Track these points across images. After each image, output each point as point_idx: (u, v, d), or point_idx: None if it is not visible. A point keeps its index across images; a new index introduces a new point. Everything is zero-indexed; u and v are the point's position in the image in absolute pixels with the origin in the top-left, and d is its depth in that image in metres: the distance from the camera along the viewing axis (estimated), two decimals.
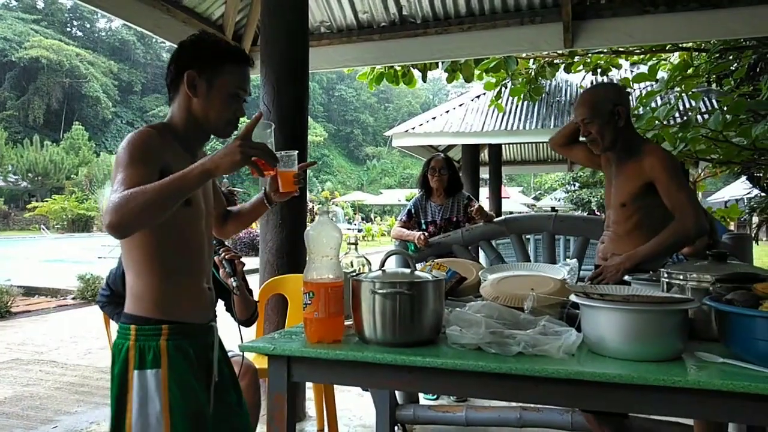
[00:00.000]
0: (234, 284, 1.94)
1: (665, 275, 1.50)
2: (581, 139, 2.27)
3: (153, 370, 1.33)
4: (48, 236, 24.59)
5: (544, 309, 1.42)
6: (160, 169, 1.30)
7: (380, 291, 1.31)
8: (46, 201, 28.45)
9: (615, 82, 2.52)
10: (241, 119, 1.47)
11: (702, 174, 16.72)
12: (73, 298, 8.17)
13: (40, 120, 42.66)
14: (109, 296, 2.45)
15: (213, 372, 1.46)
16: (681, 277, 1.44)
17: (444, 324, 1.37)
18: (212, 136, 1.48)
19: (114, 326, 2.56)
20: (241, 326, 2.39)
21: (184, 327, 1.39)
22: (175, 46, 1.48)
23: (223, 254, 2.00)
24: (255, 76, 4.04)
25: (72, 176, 33.84)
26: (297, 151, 1.55)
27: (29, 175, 33.13)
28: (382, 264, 1.44)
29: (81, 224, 27.07)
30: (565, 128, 2.43)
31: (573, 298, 1.29)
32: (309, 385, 3.32)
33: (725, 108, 4.56)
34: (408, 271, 1.42)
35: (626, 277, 1.69)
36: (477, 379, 1.20)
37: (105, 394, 3.86)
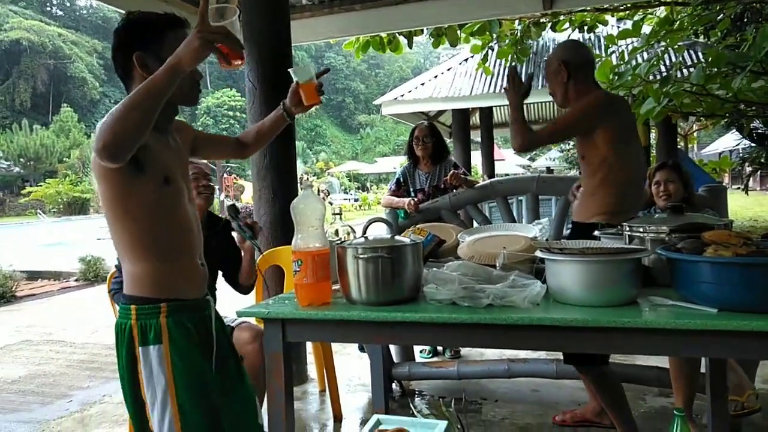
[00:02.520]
0: (257, 245, 2.19)
1: (628, 228, 1.62)
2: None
3: (155, 346, 1.40)
4: (45, 220, 24.65)
5: (514, 265, 1.54)
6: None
7: (363, 256, 1.43)
8: (41, 185, 28.40)
9: (574, 40, 2.59)
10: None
11: (693, 127, 16.73)
12: (76, 280, 8.33)
13: (28, 104, 42.15)
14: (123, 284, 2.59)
15: (213, 343, 1.53)
16: (641, 229, 1.57)
17: (423, 283, 1.50)
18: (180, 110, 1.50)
19: None
20: (242, 293, 2.56)
21: (181, 303, 1.45)
22: None
23: (243, 219, 2.18)
24: None
25: (64, 159, 33.69)
26: (311, 62, 1.61)
27: (21, 160, 32.98)
28: (365, 231, 1.55)
29: (77, 207, 27.11)
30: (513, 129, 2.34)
31: (537, 253, 1.41)
32: (310, 350, 3.49)
33: (709, 61, 4.62)
34: (388, 236, 1.53)
35: (596, 233, 1.81)
36: (452, 330, 1.34)
37: (114, 368, 4.01)
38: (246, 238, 2.22)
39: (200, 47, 1.19)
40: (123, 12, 3.76)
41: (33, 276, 8.55)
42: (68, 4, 53.17)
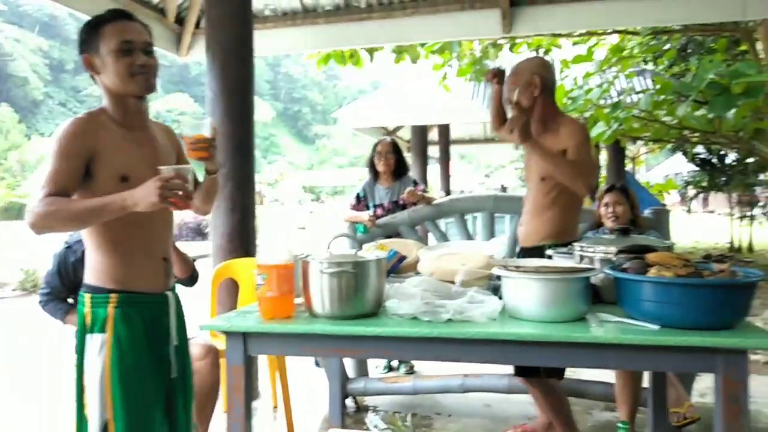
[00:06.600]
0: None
1: (578, 248, 1.71)
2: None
3: (99, 334, 1.47)
4: None
5: (473, 281, 1.60)
6: (88, 156, 1.43)
7: (327, 271, 1.46)
8: None
9: (545, 59, 2.57)
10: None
11: (641, 150, 17.57)
12: (13, 290, 7.92)
13: None
14: (49, 293, 2.50)
15: (171, 336, 1.58)
16: (591, 249, 1.66)
17: (385, 298, 1.53)
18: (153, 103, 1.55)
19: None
20: (185, 286, 2.50)
21: (132, 296, 1.51)
22: None
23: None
24: (201, 57, 4.05)
25: (1, 161, 32.05)
26: (206, 120, 1.54)
27: None
28: (329, 246, 1.58)
29: (14, 212, 25.74)
30: (491, 110, 2.62)
31: (494, 270, 1.47)
32: (263, 367, 3.43)
33: (657, 88, 4.90)
34: (352, 251, 1.57)
35: (548, 252, 1.90)
36: (413, 344, 1.38)
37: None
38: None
39: (157, 202, 1.33)
40: (72, 11, 3.68)
41: None
42: None
